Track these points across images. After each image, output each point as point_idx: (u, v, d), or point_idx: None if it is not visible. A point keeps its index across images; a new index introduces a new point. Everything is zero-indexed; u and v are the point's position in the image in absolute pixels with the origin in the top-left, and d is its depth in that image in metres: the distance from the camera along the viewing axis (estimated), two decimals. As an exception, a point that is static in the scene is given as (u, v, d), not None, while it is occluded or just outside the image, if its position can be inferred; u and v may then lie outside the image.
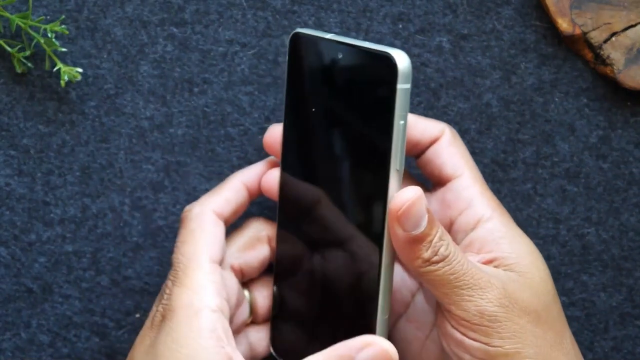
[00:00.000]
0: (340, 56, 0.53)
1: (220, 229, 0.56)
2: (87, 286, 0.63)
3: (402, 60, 0.51)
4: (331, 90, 0.54)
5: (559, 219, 0.63)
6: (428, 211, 0.51)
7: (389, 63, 0.51)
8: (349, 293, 0.54)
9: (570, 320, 0.63)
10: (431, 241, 0.51)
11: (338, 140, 0.54)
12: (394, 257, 0.53)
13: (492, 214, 0.55)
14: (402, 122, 0.52)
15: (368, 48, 0.52)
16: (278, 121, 0.63)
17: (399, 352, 0.53)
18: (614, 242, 0.63)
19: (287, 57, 0.56)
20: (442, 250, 0.51)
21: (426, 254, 0.51)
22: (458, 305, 0.51)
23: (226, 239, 0.56)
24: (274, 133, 0.57)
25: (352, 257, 0.54)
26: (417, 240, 0.51)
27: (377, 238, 0.52)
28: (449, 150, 0.56)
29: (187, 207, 0.56)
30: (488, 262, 0.54)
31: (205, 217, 0.56)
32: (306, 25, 0.62)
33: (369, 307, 0.53)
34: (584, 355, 0.63)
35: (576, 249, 0.63)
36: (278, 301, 0.57)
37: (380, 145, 0.52)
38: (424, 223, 0.51)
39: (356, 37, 0.62)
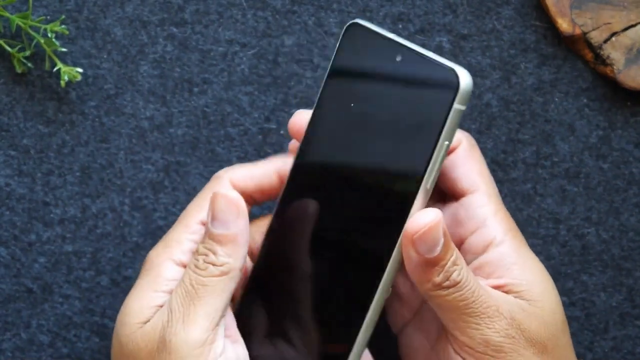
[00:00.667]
0: (399, 58, 0.51)
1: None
2: (87, 286, 0.63)
3: (465, 79, 0.50)
4: (379, 90, 0.52)
5: (559, 219, 0.63)
6: (445, 234, 0.50)
7: (452, 78, 0.50)
8: (336, 304, 0.53)
9: (570, 320, 0.63)
10: (444, 265, 0.50)
11: (372, 142, 0.52)
12: (395, 277, 0.52)
13: (504, 237, 0.53)
14: (446, 142, 0.50)
15: (432, 58, 0.51)
16: (278, 121, 0.63)
17: (404, 358, 0.52)
18: (614, 242, 0.63)
19: (337, 45, 0.53)
20: (454, 275, 0.50)
21: (437, 279, 0.50)
22: (464, 332, 0.51)
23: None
24: (301, 119, 0.54)
25: (349, 268, 0.53)
26: (430, 264, 0.50)
27: (384, 253, 0.51)
28: (465, 163, 0.54)
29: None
30: (498, 287, 0.53)
31: (219, 182, 0.55)
32: (306, 26, 0.62)
33: (354, 324, 0.52)
34: (584, 355, 0.63)
35: (576, 249, 0.63)
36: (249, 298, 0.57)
37: (417, 159, 0.50)
38: (439, 248, 0.50)
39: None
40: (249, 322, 0.55)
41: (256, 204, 0.56)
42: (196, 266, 0.52)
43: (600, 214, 0.63)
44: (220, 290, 0.52)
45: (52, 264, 0.63)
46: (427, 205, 0.51)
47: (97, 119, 0.63)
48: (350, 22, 0.53)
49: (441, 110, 0.50)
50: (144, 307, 0.53)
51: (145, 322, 0.52)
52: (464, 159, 0.54)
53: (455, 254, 0.51)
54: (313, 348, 0.53)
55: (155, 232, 0.62)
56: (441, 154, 0.50)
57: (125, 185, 0.63)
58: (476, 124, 0.63)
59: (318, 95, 0.54)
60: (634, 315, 0.63)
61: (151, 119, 0.63)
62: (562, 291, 0.63)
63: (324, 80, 0.54)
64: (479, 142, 0.63)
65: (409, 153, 0.50)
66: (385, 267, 0.51)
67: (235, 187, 0.55)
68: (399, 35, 0.54)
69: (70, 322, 0.63)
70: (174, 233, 0.55)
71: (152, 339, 0.52)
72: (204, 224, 0.54)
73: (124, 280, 0.63)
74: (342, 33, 0.53)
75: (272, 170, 0.56)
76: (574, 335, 0.63)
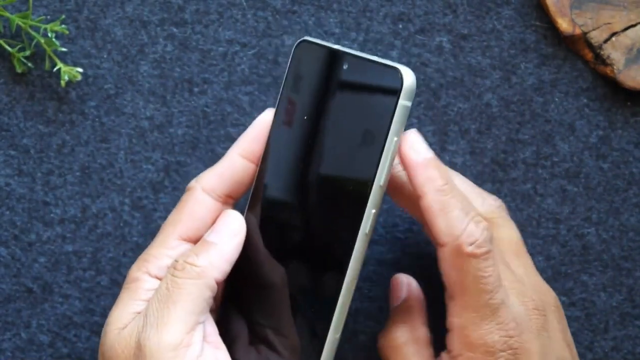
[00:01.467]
0: (345, 67, 0.53)
1: (202, 205, 0.56)
2: (87, 286, 0.63)
3: (408, 76, 0.52)
4: (329, 98, 0.54)
5: (559, 219, 0.63)
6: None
7: (395, 77, 0.51)
8: (304, 304, 0.53)
9: (570, 320, 0.63)
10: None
11: (327, 148, 0.53)
12: (357, 278, 0.53)
13: (459, 354, 0.53)
14: (395, 138, 0.52)
15: (376, 60, 0.52)
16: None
17: None
18: (614, 242, 0.63)
19: (289, 62, 0.55)
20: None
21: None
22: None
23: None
24: (265, 121, 0.56)
25: (315, 268, 0.53)
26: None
27: (345, 252, 0.52)
28: (447, 265, 0.53)
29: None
30: None
31: (192, 193, 0.56)
32: (306, 26, 0.62)
33: (322, 325, 0.52)
34: (584, 355, 0.63)
35: (576, 249, 0.63)
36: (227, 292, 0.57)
37: (369, 157, 0.52)
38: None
39: (356, 37, 0.62)
40: (229, 330, 0.56)
41: (236, 200, 0.57)
42: (174, 267, 0.53)
43: (600, 214, 0.63)
44: (195, 295, 0.52)
45: (52, 264, 0.63)
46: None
47: (97, 119, 0.62)
48: (300, 40, 0.55)
49: (388, 108, 0.51)
50: (122, 314, 0.54)
51: (123, 328, 0.53)
52: (448, 260, 0.53)
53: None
54: (294, 350, 0.53)
55: (155, 232, 0.62)
56: (391, 150, 0.51)
57: (125, 185, 0.63)
58: (476, 124, 0.63)
59: (274, 112, 0.55)
60: (634, 315, 0.63)
61: (151, 119, 0.63)
62: (562, 291, 0.63)
63: (278, 97, 0.55)
64: (479, 142, 0.63)
65: (361, 153, 0.52)
66: (347, 265, 0.52)
67: (209, 193, 0.56)
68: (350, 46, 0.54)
69: (70, 322, 0.63)
70: (152, 249, 0.56)
71: (128, 344, 0.52)
72: (182, 239, 0.56)
73: (124, 280, 0.63)
74: (292, 50, 0.55)
75: (236, 160, 0.56)
76: (574, 335, 0.63)
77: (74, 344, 0.63)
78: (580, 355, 0.63)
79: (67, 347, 0.63)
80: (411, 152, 0.52)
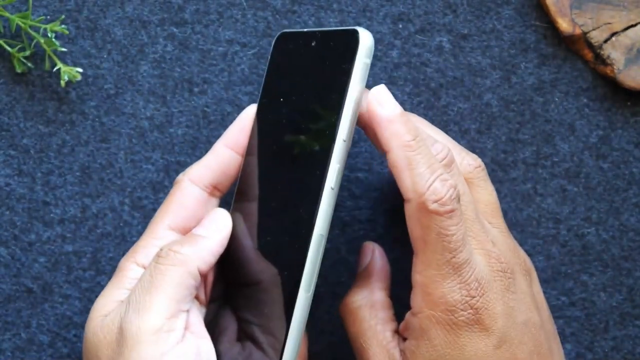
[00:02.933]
0: (314, 43, 0.55)
1: (190, 196, 0.57)
2: (87, 286, 0.63)
3: (364, 34, 0.53)
4: (302, 77, 0.55)
5: (559, 219, 0.63)
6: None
7: (353, 36, 0.53)
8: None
9: (570, 320, 0.63)
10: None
11: (294, 116, 0.55)
12: (326, 235, 0.53)
13: (419, 312, 0.53)
14: (356, 94, 0.53)
15: (338, 29, 0.55)
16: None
17: None
18: (614, 242, 0.63)
19: (269, 56, 0.57)
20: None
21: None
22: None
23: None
24: (249, 114, 0.57)
25: (286, 229, 0.54)
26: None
27: (311, 208, 0.53)
28: (412, 221, 0.53)
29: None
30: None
31: (180, 185, 0.57)
32: (306, 26, 0.62)
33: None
34: (584, 355, 0.63)
35: (576, 249, 0.63)
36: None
37: (331, 115, 0.53)
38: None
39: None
40: (218, 324, 0.56)
41: (222, 193, 0.58)
42: (159, 255, 0.54)
43: (600, 214, 0.63)
44: (177, 281, 0.53)
45: (52, 264, 0.63)
46: None
47: (97, 119, 0.63)
48: (279, 33, 0.57)
49: (347, 65, 0.53)
50: (107, 302, 0.55)
51: (107, 315, 0.54)
52: (409, 218, 0.53)
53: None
54: (276, 346, 0.54)
55: (155, 232, 0.63)
56: (352, 106, 0.53)
57: (125, 185, 0.63)
58: (476, 124, 0.63)
59: (258, 105, 0.57)
60: (634, 315, 0.63)
61: (151, 119, 0.63)
62: (562, 291, 0.63)
63: (261, 90, 0.57)
64: (479, 142, 0.63)
65: (325, 112, 0.53)
66: (314, 220, 0.52)
67: (197, 184, 0.57)
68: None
69: (70, 322, 0.63)
70: (141, 240, 0.57)
71: (110, 330, 0.53)
72: (170, 229, 0.56)
73: (124, 280, 0.63)
74: (273, 43, 0.57)
75: (222, 151, 0.57)
76: (574, 335, 0.63)
77: (74, 344, 0.63)
78: (580, 355, 0.63)
79: (67, 347, 0.63)
80: (377, 106, 0.53)
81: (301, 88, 0.55)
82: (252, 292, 0.55)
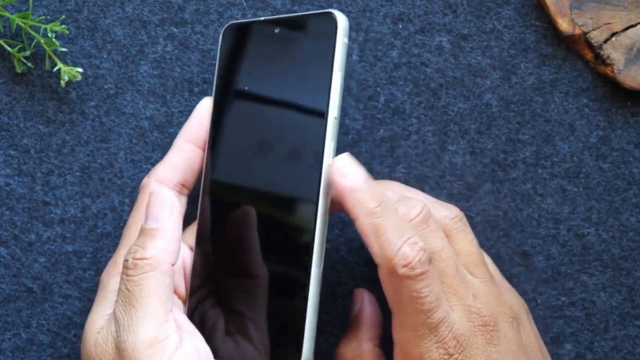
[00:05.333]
0: (277, 30, 0.56)
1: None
2: (87, 286, 0.63)
3: (340, 15, 0.54)
4: (269, 63, 0.56)
5: (559, 219, 0.63)
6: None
7: (330, 18, 0.54)
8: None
9: (570, 320, 0.63)
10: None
11: (274, 105, 0.55)
12: (327, 214, 0.54)
13: None
14: (340, 73, 0.54)
15: (305, 14, 0.56)
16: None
17: None
18: (614, 242, 0.63)
19: (219, 46, 0.57)
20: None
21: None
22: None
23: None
24: (205, 107, 0.58)
25: (285, 214, 0.54)
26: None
27: (311, 184, 0.53)
28: (385, 284, 0.53)
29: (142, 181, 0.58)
30: None
31: (147, 189, 0.57)
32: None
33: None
34: (584, 355, 0.63)
35: (576, 249, 0.63)
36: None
37: (319, 94, 0.53)
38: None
39: (356, 37, 0.62)
40: (204, 319, 0.56)
41: (190, 188, 0.58)
42: (126, 267, 0.53)
43: (600, 214, 0.63)
44: (155, 286, 0.53)
45: (52, 264, 0.63)
46: None
47: (97, 119, 0.63)
48: (226, 25, 0.58)
49: (328, 47, 0.54)
50: (97, 319, 0.55)
51: (98, 332, 0.54)
52: (382, 281, 0.53)
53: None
54: (267, 340, 0.54)
55: (155, 232, 0.63)
56: (339, 84, 0.54)
57: (125, 185, 0.63)
58: (476, 124, 0.63)
59: (213, 97, 0.57)
60: (634, 315, 0.63)
61: (151, 119, 0.63)
62: (562, 291, 0.63)
63: (214, 82, 0.57)
64: (479, 142, 0.63)
65: (311, 93, 0.54)
66: (318, 193, 0.53)
67: (165, 184, 0.57)
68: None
69: (70, 322, 0.63)
70: (119, 251, 0.57)
71: (105, 350, 0.53)
72: None
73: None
74: (220, 35, 0.58)
75: (185, 147, 0.58)
76: (574, 335, 0.63)
77: (74, 344, 0.63)
78: (580, 355, 0.63)
79: (67, 347, 0.63)
80: (340, 177, 0.53)
81: (272, 75, 0.55)
82: (245, 285, 0.55)
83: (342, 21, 0.54)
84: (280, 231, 0.54)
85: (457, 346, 0.52)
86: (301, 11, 0.62)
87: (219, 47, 0.57)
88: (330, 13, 0.54)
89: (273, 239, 0.54)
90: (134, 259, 0.53)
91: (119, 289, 0.53)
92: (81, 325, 0.62)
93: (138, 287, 0.52)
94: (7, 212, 0.63)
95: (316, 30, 0.55)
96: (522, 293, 0.62)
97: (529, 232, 0.63)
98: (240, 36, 0.57)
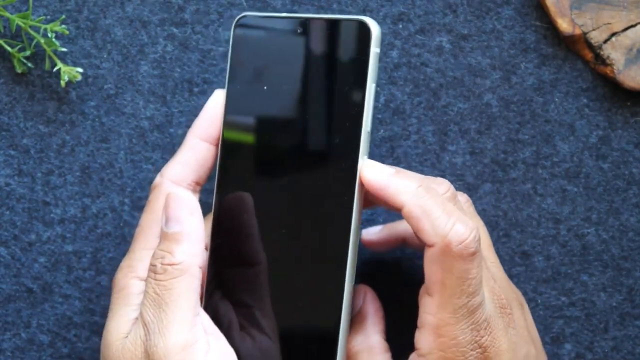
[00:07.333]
0: (300, 30, 0.54)
1: None
2: (87, 286, 0.63)
3: (374, 25, 0.53)
4: (293, 65, 0.54)
5: (559, 219, 0.63)
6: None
7: (363, 28, 0.53)
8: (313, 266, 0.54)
9: (570, 320, 0.63)
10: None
11: (302, 110, 0.54)
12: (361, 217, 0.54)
13: (429, 353, 0.53)
14: (373, 84, 0.53)
15: (337, 17, 0.54)
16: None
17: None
18: (614, 242, 0.63)
19: (231, 41, 0.56)
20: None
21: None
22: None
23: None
24: (217, 102, 0.57)
25: (317, 223, 0.54)
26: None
27: (344, 210, 0.53)
28: (432, 266, 0.52)
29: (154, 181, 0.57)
30: None
31: (160, 188, 0.56)
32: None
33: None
34: (584, 355, 0.63)
35: (576, 249, 0.63)
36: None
37: (353, 106, 0.53)
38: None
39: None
40: (219, 318, 0.55)
41: (202, 185, 0.57)
42: (155, 272, 0.53)
43: (600, 214, 0.63)
44: (185, 290, 0.52)
45: (52, 264, 0.63)
46: None
47: (97, 119, 0.63)
48: (240, 15, 0.56)
49: (362, 58, 0.53)
50: (121, 323, 0.54)
51: (125, 337, 0.53)
52: (432, 262, 0.52)
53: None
54: (288, 334, 0.54)
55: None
56: (372, 96, 0.53)
57: (125, 185, 0.63)
58: (476, 124, 0.63)
59: (226, 92, 0.56)
60: (634, 315, 0.63)
61: (151, 119, 0.63)
62: (562, 291, 0.63)
63: (227, 76, 0.56)
64: (479, 142, 0.63)
65: (344, 103, 0.53)
66: (350, 222, 0.52)
67: (179, 183, 0.56)
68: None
69: (70, 322, 0.63)
70: (134, 253, 0.56)
71: (134, 355, 0.52)
72: None
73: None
74: (233, 26, 0.55)
75: (197, 144, 0.56)
76: (574, 335, 0.63)
77: (74, 344, 0.63)
78: (580, 355, 0.63)
79: (67, 347, 0.63)
80: (375, 176, 0.52)
81: (297, 79, 0.54)
82: (250, 274, 0.55)
83: (375, 30, 0.53)
84: (314, 229, 0.54)
85: (487, 328, 0.52)
86: (301, 11, 0.62)
87: (231, 38, 0.56)
88: (363, 21, 0.53)
89: (304, 235, 0.54)
90: (162, 264, 0.53)
91: (146, 292, 0.53)
92: (81, 325, 0.62)
93: (168, 292, 0.52)
94: (7, 212, 0.63)
95: (347, 37, 0.53)
96: (522, 293, 0.62)
97: (529, 232, 0.63)
98: (257, 30, 0.56)
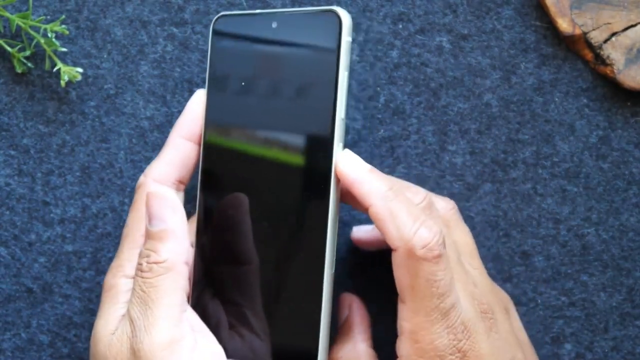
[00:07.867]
0: (275, 25, 0.55)
1: None
2: (87, 286, 0.63)
3: (344, 14, 0.54)
4: (269, 59, 0.55)
5: (559, 219, 0.63)
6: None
7: (334, 18, 0.54)
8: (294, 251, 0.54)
9: (570, 320, 0.63)
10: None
11: (276, 105, 0.55)
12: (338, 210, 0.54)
13: (407, 357, 0.53)
14: (345, 72, 0.53)
15: (305, 10, 0.55)
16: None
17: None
18: (614, 242, 0.63)
19: (210, 41, 0.56)
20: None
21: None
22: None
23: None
24: (199, 102, 0.57)
25: (295, 210, 0.54)
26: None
27: (322, 186, 0.53)
28: (400, 268, 0.52)
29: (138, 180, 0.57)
30: None
31: (144, 188, 0.56)
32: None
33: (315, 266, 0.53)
34: (584, 355, 0.63)
35: (576, 249, 0.63)
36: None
37: (324, 95, 0.53)
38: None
39: (356, 37, 0.62)
40: (207, 316, 0.56)
41: (186, 184, 0.58)
42: (141, 270, 0.53)
43: (600, 214, 0.63)
44: (171, 288, 0.53)
45: (52, 264, 0.63)
46: None
47: (97, 119, 0.63)
48: (217, 15, 0.57)
49: (332, 47, 0.53)
50: (109, 320, 0.54)
51: (113, 334, 0.53)
52: (397, 267, 0.52)
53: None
54: (276, 332, 0.54)
55: (155, 232, 0.62)
56: (345, 84, 0.53)
57: (125, 185, 0.63)
58: (476, 124, 0.63)
59: (206, 91, 0.56)
60: (634, 315, 0.63)
61: (151, 119, 0.63)
62: (562, 291, 0.63)
63: (207, 76, 0.56)
64: (479, 142, 0.63)
65: (316, 93, 0.54)
66: (327, 213, 0.53)
67: (163, 183, 0.57)
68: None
69: (70, 322, 0.63)
70: (123, 252, 0.56)
71: (120, 351, 0.53)
72: None
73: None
74: (211, 27, 0.56)
75: (181, 143, 0.57)
76: (574, 335, 0.63)
77: (74, 344, 0.63)
78: (580, 355, 0.63)
79: (67, 347, 0.63)
80: (349, 170, 0.53)
81: (272, 73, 0.55)
82: (240, 273, 0.55)
83: (346, 19, 0.54)
84: (292, 224, 0.54)
85: (465, 331, 0.52)
86: (301, 11, 0.62)
87: (209, 39, 0.57)
88: (334, 11, 0.54)
89: (283, 231, 0.54)
90: (148, 262, 0.53)
91: (134, 290, 0.53)
92: (81, 325, 0.63)
93: (154, 289, 0.52)
94: (7, 212, 0.63)
95: (318, 27, 0.54)
96: (522, 293, 0.62)
97: (529, 232, 0.63)
98: (234, 29, 0.57)
